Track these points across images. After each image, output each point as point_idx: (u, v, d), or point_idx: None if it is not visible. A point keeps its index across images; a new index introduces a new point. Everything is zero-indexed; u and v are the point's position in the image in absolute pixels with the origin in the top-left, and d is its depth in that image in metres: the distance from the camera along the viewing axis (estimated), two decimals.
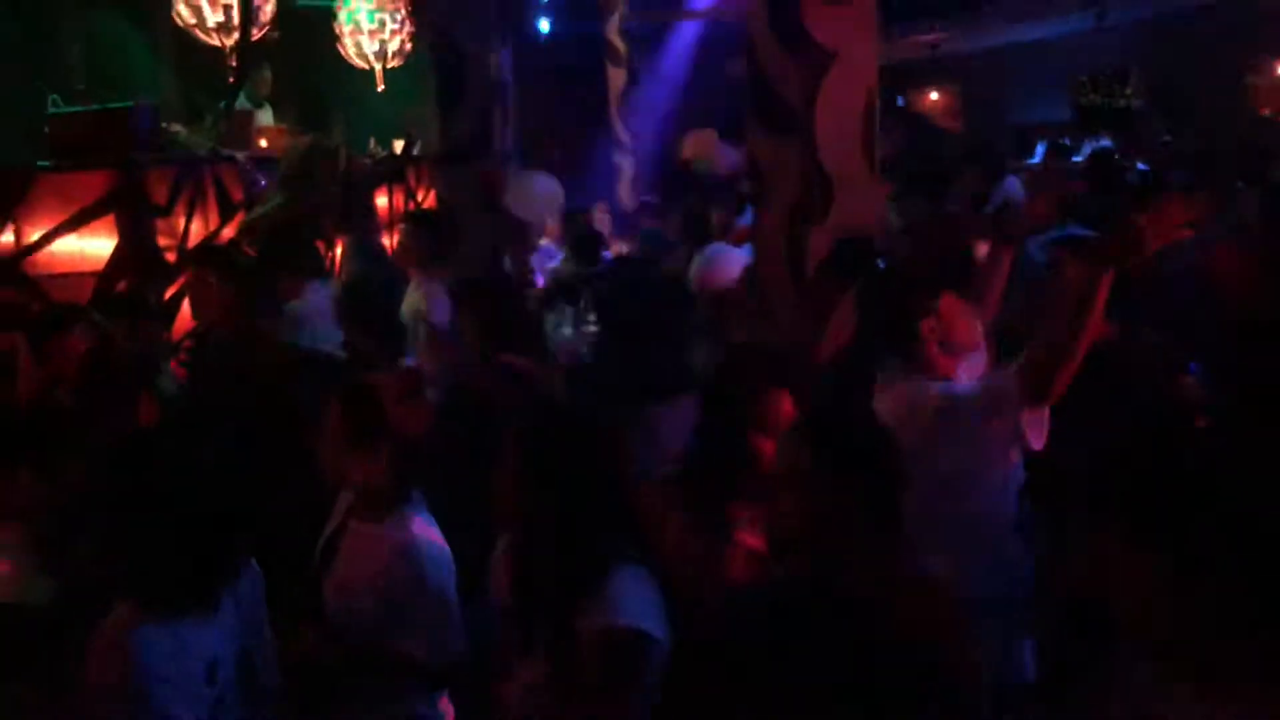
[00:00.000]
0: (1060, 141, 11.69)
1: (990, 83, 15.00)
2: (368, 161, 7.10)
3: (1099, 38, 13.41)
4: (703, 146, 7.88)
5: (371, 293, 4.36)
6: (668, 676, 1.99)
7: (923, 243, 2.88)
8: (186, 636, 1.85)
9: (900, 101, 13.52)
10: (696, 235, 5.56)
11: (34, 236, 5.49)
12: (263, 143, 7.34)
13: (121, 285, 5.56)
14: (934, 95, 15.60)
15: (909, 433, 2.20)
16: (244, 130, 7.12)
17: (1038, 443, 2.57)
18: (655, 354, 4.02)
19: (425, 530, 2.42)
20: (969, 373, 2.74)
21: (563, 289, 5.42)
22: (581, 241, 6.11)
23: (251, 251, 5.47)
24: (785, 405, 2.47)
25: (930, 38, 13.74)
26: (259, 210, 6.07)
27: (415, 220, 5.39)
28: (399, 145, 8.56)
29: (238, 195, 6.36)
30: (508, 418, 2.43)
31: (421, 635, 2.34)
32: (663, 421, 4.03)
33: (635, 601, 1.99)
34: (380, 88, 8.93)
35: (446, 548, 2.44)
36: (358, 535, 2.46)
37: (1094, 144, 12.57)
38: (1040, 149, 12.90)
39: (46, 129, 6.07)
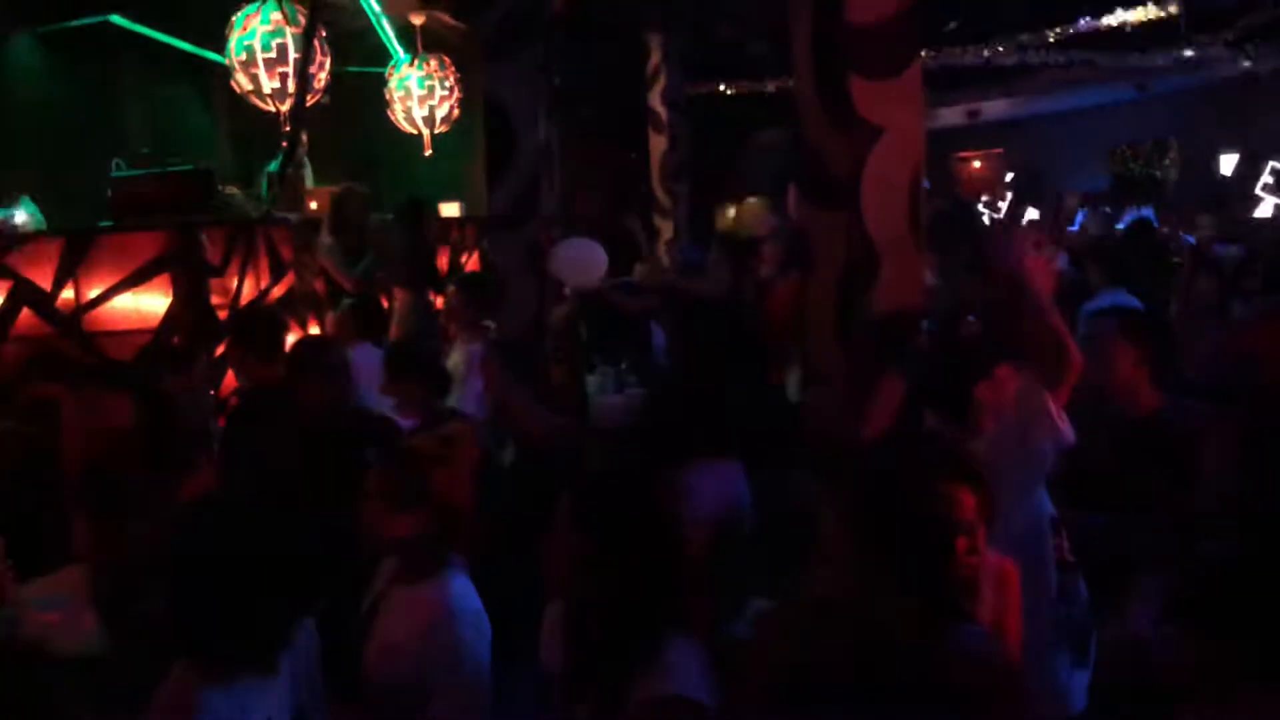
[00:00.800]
0: (1102, 210, 11.69)
1: (1032, 150, 15.06)
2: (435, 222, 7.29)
3: (1140, 107, 13.47)
4: (745, 213, 7.96)
5: (425, 350, 4.46)
6: None
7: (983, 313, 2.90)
8: (246, 698, 1.87)
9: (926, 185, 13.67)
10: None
11: (92, 294, 5.65)
12: (313, 205, 7.54)
13: (174, 342, 5.68)
14: (976, 163, 15.67)
15: None
16: (295, 192, 7.31)
17: (1069, 434, 2.59)
18: (700, 412, 4.07)
19: (464, 595, 2.41)
20: None
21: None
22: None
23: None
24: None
25: (970, 106, 13.86)
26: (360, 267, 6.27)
27: (465, 283, 5.50)
28: (446, 208, 8.75)
29: (288, 255, 6.51)
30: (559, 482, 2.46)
31: (454, 701, 2.30)
32: (701, 484, 4.06)
33: (689, 671, 1.98)
34: (428, 152, 9.14)
35: (484, 614, 2.42)
36: (398, 599, 2.45)
37: (1135, 213, 12.56)
38: (1081, 216, 12.89)
39: (109, 191, 6.27)
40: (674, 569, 2.10)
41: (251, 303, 6.17)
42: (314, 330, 6.46)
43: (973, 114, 14.14)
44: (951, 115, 13.89)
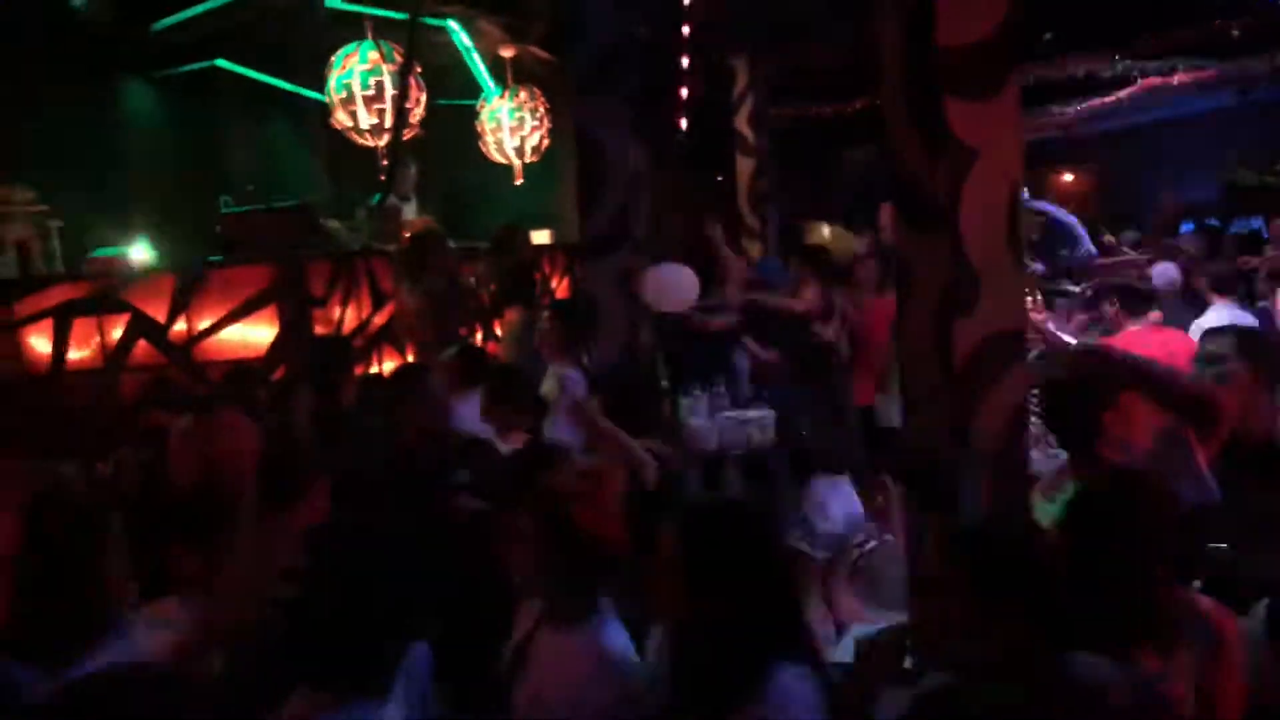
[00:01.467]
0: (1208, 222, 11.30)
1: (1129, 162, 14.64)
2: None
3: (1245, 113, 12.99)
4: (836, 241, 7.93)
5: (523, 375, 4.55)
6: None
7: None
8: (363, 718, 1.92)
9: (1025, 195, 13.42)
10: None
11: (203, 325, 5.88)
12: (409, 235, 7.74)
13: (280, 371, 5.88)
14: (1068, 176, 15.29)
15: None
16: (393, 225, 7.51)
17: (1215, 489, 2.47)
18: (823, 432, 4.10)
19: (619, 641, 2.33)
20: None
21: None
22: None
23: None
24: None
25: (1064, 118, 13.53)
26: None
27: (558, 308, 5.59)
28: (536, 236, 8.88)
29: (388, 286, 6.69)
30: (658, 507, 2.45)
31: None
32: (827, 498, 4.09)
33: (796, 703, 1.96)
34: (519, 181, 9.31)
35: (635, 661, 2.32)
36: (551, 645, 2.37)
37: (1243, 224, 12.10)
38: (1186, 229, 12.48)
39: (219, 226, 6.53)
40: (779, 595, 2.09)
41: (354, 332, 6.35)
42: (411, 358, 6.61)
43: (1066, 126, 13.81)
44: (1045, 129, 13.59)
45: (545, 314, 5.60)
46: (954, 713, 1.84)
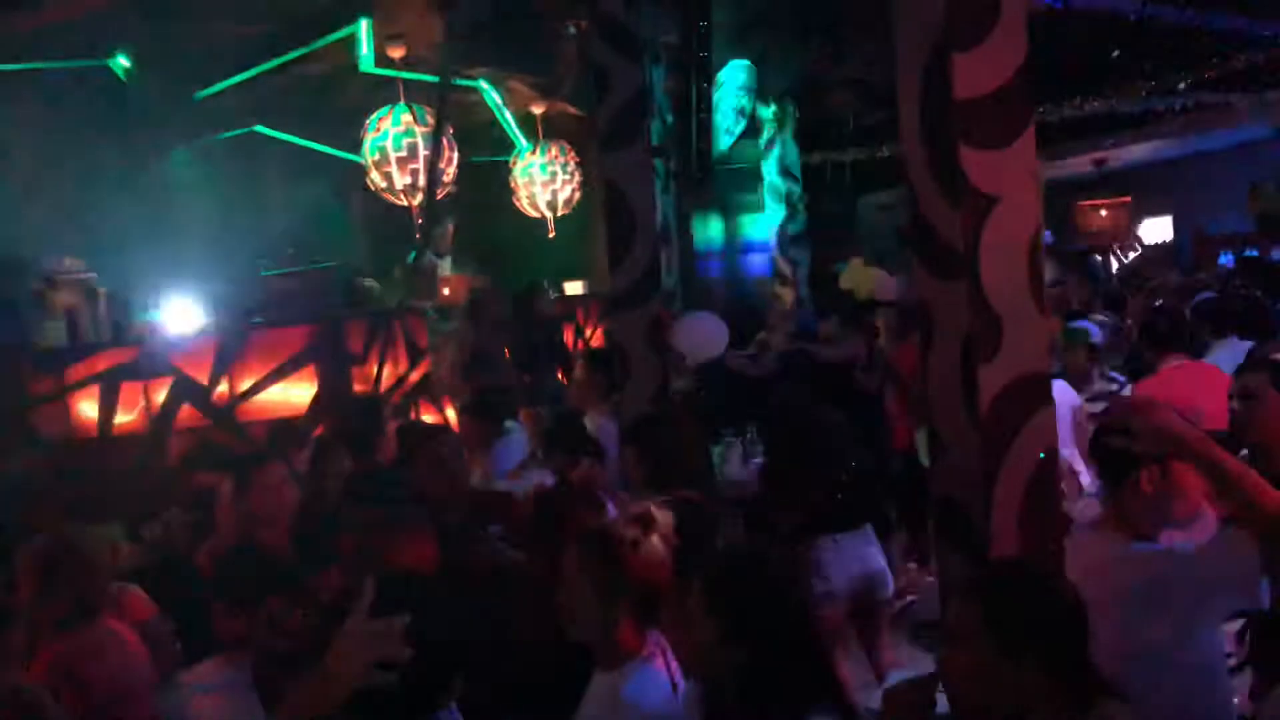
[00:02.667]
0: (1246, 253, 11.19)
1: (1164, 195, 14.56)
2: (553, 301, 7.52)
3: (1276, 144, 12.91)
4: (863, 277, 7.95)
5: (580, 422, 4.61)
6: None
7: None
8: None
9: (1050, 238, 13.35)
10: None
11: (244, 386, 6.01)
12: (446, 291, 7.88)
13: (319, 429, 5.99)
14: (1103, 211, 15.22)
15: (1096, 592, 2.03)
16: (429, 281, 7.66)
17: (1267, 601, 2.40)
18: (825, 487, 4.04)
19: (654, 684, 2.32)
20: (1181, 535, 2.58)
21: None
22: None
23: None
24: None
25: (1098, 155, 13.51)
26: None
27: (592, 359, 5.66)
28: (570, 286, 9.01)
29: (423, 342, 6.81)
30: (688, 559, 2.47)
31: None
32: (830, 556, 4.03)
33: None
34: (551, 234, 9.45)
35: (674, 701, 2.31)
36: (597, 685, 2.39)
37: None
38: (1225, 259, 12.37)
39: (258, 289, 6.70)
40: (809, 645, 2.10)
41: (390, 389, 6.46)
42: (449, 412, 6.71)
43: (1099, 162, 13.78)
44: (1077, 164, 13.57)
45: (579, 364, 5.67)
46: None
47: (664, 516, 2.60)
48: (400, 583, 2.35)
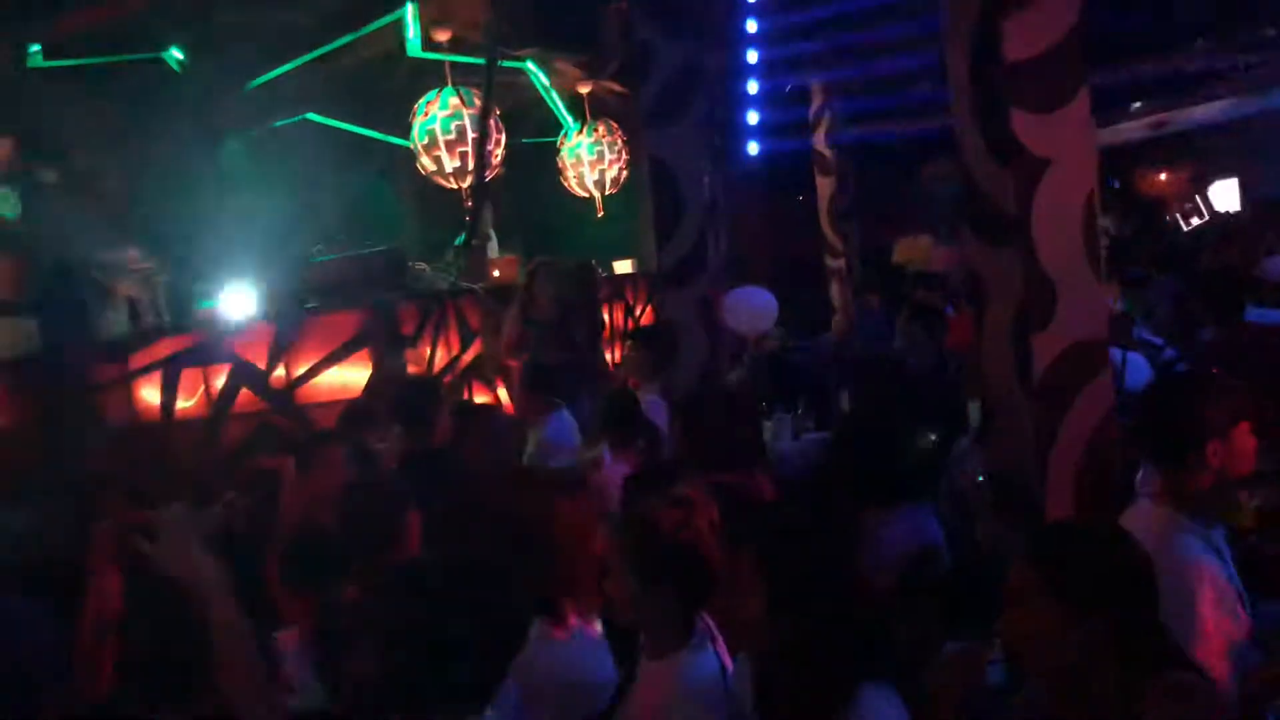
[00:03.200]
0: None
1: (1230, 157, 14.12)
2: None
3: None
4: (916, 250, 7.83)
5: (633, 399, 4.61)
6: None
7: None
8: None
9: (1114, 184, 12.92)
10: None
11: (301, 370, 6.11)
12: (496, 273, 7.92)
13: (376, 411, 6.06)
14: (1163, 176, 14.82)
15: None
16: (480, 263, 7.71)
17: None
18: (880, 457, 3.98)
19: (701, 672, 2.28)
20: None
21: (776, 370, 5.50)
22: None
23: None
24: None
25: (1157, 117, 13.13)
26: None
27: (640, 336, 5.66)
28: (619, 266, 9.01)
29: (475, 323, 6.86)
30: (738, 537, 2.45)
31: None
32: (884, 529, 3.98)
33: (882, 718, 1.96)
34: (600, 214, 9.45)
35: (722, 686, 2.27)
36: (645, 674, 2.36)
37: None
38: None
39: (312, 275, 6.79)
40: (860, 618, 2.08)
41: (444, 370, 6.52)
42: (502, 393, 6.75)
43: (1159, 125, 13.39)
44: (1135, 129, 13.20)
45: (629, 342, 5.68)
46: None
47: (707, 498, 2.57)
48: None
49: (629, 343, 5.88)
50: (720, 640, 2.39)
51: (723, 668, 2.32)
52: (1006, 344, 2.71)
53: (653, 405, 5.01)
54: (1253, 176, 14.15)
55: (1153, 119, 12.88)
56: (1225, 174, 14.34)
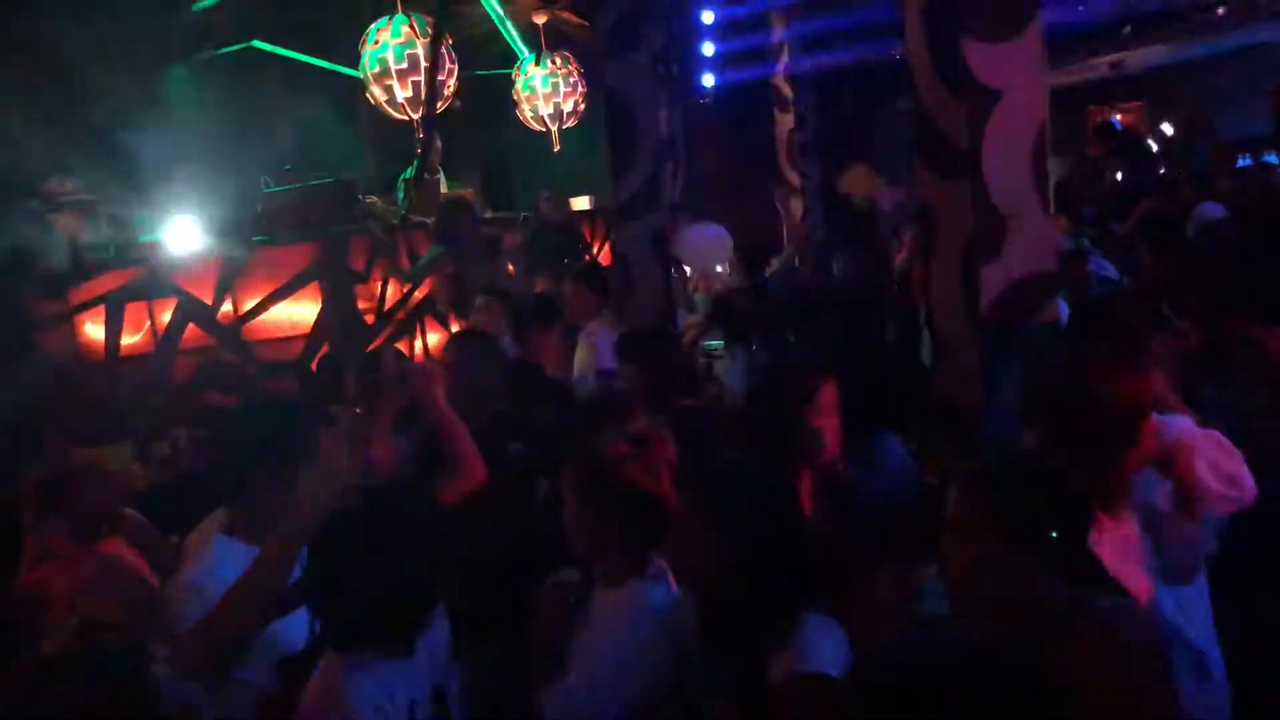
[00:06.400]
0: (1265, 159, 10.95)
1: (1182, 99, 14.20)
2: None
3: None
4: (859, 182, 7.79)
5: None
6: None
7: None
8: (388, 681, 1.96)
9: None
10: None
11: (249, 305, 6.00)
12: None
13: (325, 346, 5.99)
14: (1118, 117, 14.90)
15: None
16: (432, 197, 7.57)
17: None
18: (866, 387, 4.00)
19: (659, 595, 2.30)
20: None
21: (729, 312, 5.48)
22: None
23: None
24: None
25: (1112, 57, 13.15)
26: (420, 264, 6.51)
27: (580, 276, 5.64)
28: (576, 202, 8.91)
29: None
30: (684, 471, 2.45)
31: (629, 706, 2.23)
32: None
33: (823, 649, 1.99)
34: (556, 148, 9.31)
35: (671, 615, 2.28)
36: (598, 604, 2.38)
37: None
38: (1243, 163, 12.11)
39: (259, 207, 6.64)
40: (802, 549, 2.10)
41: (395, 306, 6.44)
42: (455, 328, 6.69)
43: (1115, 65, 13.42)
44: (1091, 68, 13.22)
45: (568, 285, 5.66)
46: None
47: (663, 433, 2.57)
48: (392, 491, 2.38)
49: (570, 283, 5.86)
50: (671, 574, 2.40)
51: (676, 601, 2.34)
52: (956, 275, 2.71)
53: (600, 342, 4.97)
54: (1200, 117, 14.26)
55: (1108, 59, 12.89)
56: (1174, 116, 14.43)
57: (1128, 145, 9.01)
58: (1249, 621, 2.46)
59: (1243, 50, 13.11)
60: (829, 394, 2.60)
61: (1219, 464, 2.37)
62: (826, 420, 2.58)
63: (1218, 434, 2.39)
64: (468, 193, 8.13)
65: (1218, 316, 2.67)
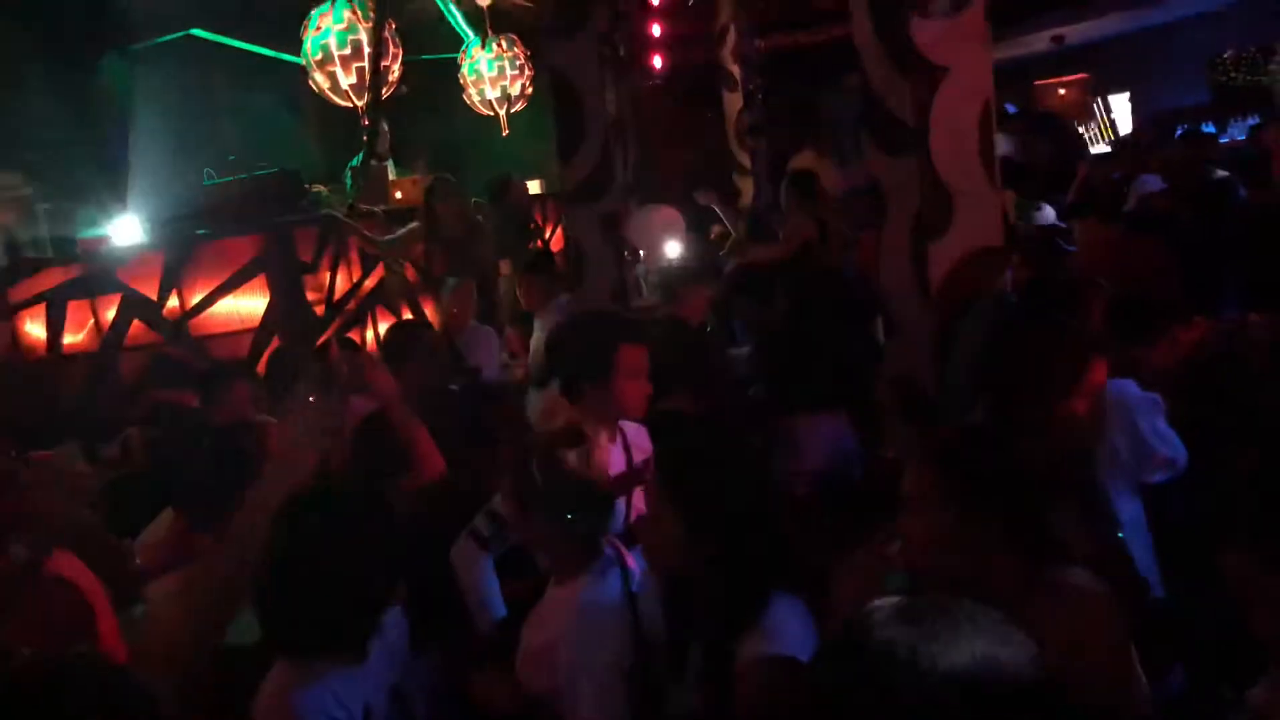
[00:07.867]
0: (1198, 128, 11.10)
1: (1123, 71, 14.42)
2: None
3: (1239, 13, 12.74)
4: (809, 165, 7.82)
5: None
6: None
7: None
8: (340, 688, 1.92)
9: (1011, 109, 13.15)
10: None
11: (195, 299, 5.89)
12: (398, 195, 7.71)
13: (275, 340, 5.89)
14: (1061, 90, 15.09)
15: None
16: (380, 185, 7.47)
17: None
18: (801, 368, 4.00)
19: (605, 598, 2.26)
20: None
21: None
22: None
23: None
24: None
25: (1053, 31, 13.30)
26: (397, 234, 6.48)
27: (530, 268, 5.64)
28: (529, 186, 8.84)
29: (376, 248, 6.68)
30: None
31: (590, 705, 2.18)
32: (804, 436, 4.03)
33: (792, 632, 1.98)
34: (505, 132, 9.23)
35: (625, 609, 2.24)
36: (549, 597, 2.36)
37: (1241, 125, 11.93)
38: (1179, 133, 12.29)
39: (202, 199, 6.51)
40: (770, 531, 2.09)
41: (345, 296, 6.35)
42: (407, 316, 6.63)
43: (1057, 39, 13.58)
44: (1034, 42, 13.37)
45: (520, 277, 5.66)
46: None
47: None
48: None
49: (519, 275, 5.86)
50: (629, 558, 2.39)
51: (628, 592, 2.31)
52: (905, 254, 2.72)
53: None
54: (1142, 89, 14.49)
55: (1051, 33, 13.03)
56: (1117, 88, 14.66)
57: (1039, 124, 9.08)
58: None
59: (1180, 22, 13.33)
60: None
61: (1157, 425, 2.43)
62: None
63: (1156, 395, 2.44)
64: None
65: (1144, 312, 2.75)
